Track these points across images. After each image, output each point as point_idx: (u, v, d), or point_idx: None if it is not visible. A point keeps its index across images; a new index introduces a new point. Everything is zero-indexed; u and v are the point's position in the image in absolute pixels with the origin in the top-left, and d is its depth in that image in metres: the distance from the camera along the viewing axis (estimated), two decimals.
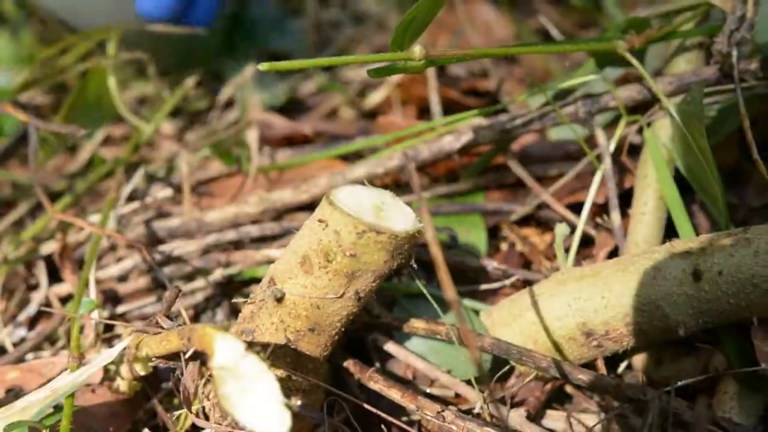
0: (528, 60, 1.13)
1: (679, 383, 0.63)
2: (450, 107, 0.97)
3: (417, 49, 0.60)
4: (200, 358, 0.63)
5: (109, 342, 0.79)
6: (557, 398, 0.72)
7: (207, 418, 0.64)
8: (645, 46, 0.73)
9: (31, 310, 0.84)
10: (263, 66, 0.58)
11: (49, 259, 0.88)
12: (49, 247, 0.88)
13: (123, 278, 0.85)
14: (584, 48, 0.74)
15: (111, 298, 0.84)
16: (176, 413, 0.69)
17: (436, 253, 0.42)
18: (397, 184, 0.87)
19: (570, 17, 1.21)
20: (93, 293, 0.79)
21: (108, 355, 0.62)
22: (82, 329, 0.80)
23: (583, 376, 0.64)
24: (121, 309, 0.83)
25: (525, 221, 0.87)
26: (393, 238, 0.57)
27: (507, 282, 0.78)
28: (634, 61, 0.71)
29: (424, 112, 0.99)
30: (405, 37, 0.59)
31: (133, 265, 0.85)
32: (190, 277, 0.83)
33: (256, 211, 0.84)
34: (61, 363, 0.74)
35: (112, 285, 0.84)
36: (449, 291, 0.41)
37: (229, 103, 1.13)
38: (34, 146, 0.80)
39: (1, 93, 0.94)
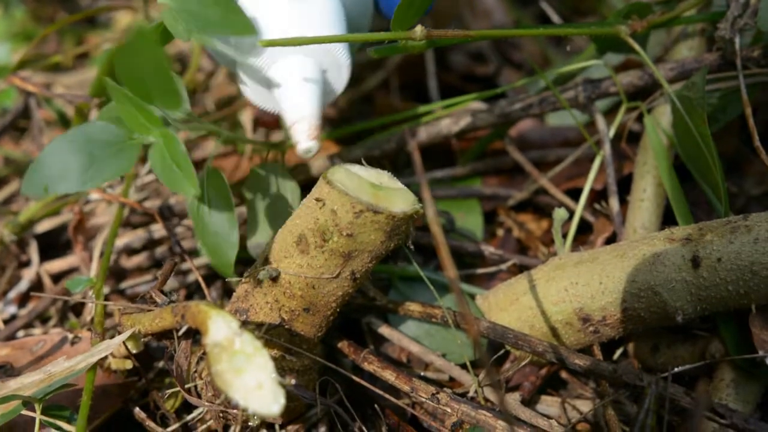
0: (527, 46, 1.12)
1: (676, 369, 0.63)
2: (448, 92, 0.96)
3: (418, 29, 0.60)
4: (193, 336, 0.63)
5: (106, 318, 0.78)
6: (552, 384, 0.72)
7: (199, 396, 0.63)
8: (647, 32, 0.73)
9: (23, 287, 0.83)
10: (262, 42, 0.57)
11: (40, 237, 0.87)
12: (43, 225, 0.87)
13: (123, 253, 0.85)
14: (586, 32, 0.73)
15: (114, 273, 0.83)
16: (168, 392, 0.68)
17: (437, 232, 0.41)
18: (394, 167, 0.86)
19: (569, 4, 1.20)
20: (94, 270, 0.78)
21: (108, 345, 0.62)
22: (81, 306, 0.79)
23: (580, 361, 0.63)
24: (123, 284, 0.83)
25: (522, 207, 0.87)
26: (390, 219, 0.57)
27: (503, 267, 0.78)
28: (636, 46, 0.70)
29: (422, 97, 0.98)
30: (408, 15, 0.58)
31: (132, 240, 0.84)
32: (182, 257, 0.83)
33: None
34: (52, 341, 0.73)
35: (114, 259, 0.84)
36: (450, 270, 0.40)
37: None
38: (38, 120, 0.79)
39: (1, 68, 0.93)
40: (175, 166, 0.54)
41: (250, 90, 0.65)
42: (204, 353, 0.63)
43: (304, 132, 0.58)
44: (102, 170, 0.54)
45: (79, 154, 0.54)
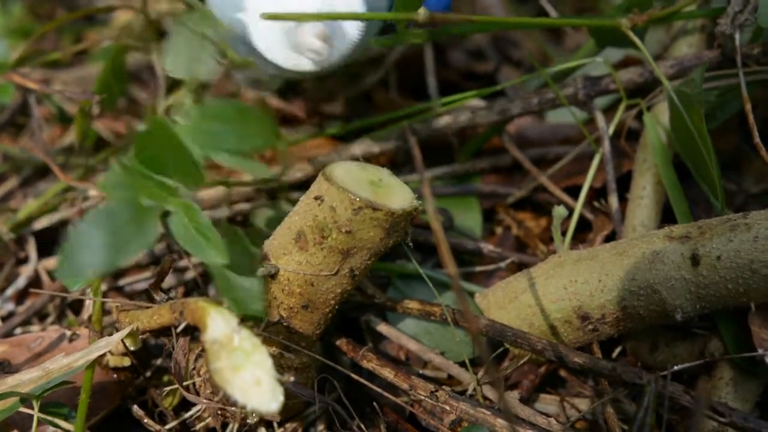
0: (526, 44, 1.12)
1: (675, 368, 0.63)
2: (447, 89, 0.96)
3: (421, 10, 0.59)
4: (192, 333, 0.63)
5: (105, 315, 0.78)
6: (551, 382, 0.72)
7: (198, 394, 0.63)
8: (647, 26, 0.72)
9: (20, 284, 0.83)
10: (265, 15, 0.57)
11: (38, 234, 0.87)
12: (41, 222, 0.87)
13: None
14: (587, 23, 0.73)
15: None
16: (166, 389, 0.68)
17: (437, 228, 0.41)
18: (393, 164, 0.86)
19: (569, 2, 1.20)
20: None
21: (106, 343, 0.62)
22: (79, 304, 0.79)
23: (579, 359, 0.63)
24: (122, 281, 0.82)
25: (521, 205, 0.87)
26: (389, 215, 0.57)
27: (502, 264, 0.78)
28: (636, 40, 0.70)
29: (421, 94, 0.98)
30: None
31: None
32: (180, 254, 0.82)
33: (249, 189, 0.83)
34: (50, 338, 0.73)
35: None
36: (450, 267, 0.40)
37: None
38: (37, 117, 0.79)
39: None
40: (198, 235, 0.55)
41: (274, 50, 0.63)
42: (202, 350, 0.63)
43: (311, 32, 0.58)
44: (129, 246, 0.54)
45: (104, 236, 0.54)
